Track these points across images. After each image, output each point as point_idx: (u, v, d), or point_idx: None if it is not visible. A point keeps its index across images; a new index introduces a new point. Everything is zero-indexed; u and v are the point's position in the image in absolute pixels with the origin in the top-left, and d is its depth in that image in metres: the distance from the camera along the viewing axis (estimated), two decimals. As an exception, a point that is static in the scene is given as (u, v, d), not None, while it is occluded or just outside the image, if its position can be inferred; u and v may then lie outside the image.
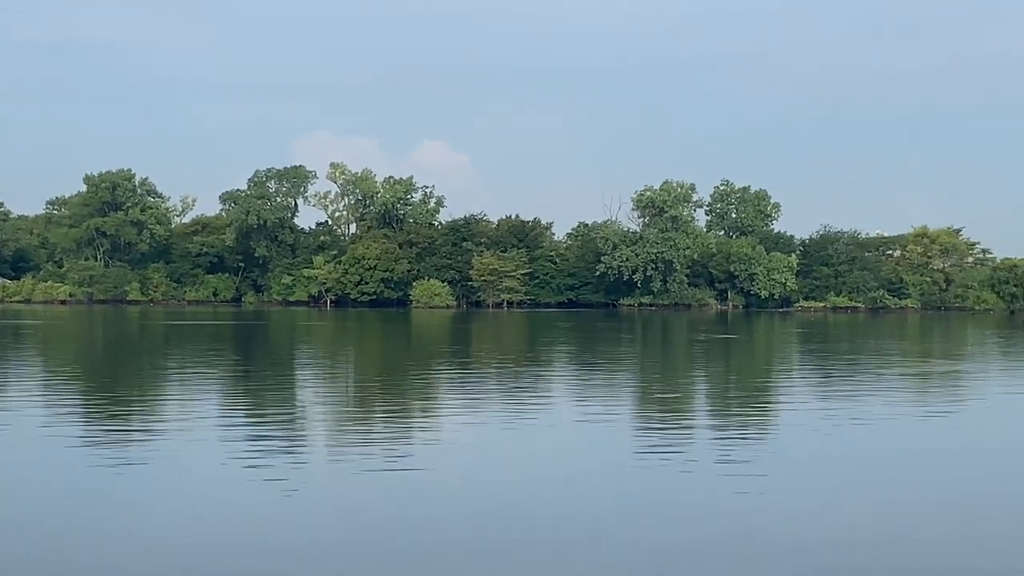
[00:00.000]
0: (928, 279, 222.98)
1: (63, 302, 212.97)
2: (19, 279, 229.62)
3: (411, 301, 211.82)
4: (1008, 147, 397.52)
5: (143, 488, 23.12)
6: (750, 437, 31.35)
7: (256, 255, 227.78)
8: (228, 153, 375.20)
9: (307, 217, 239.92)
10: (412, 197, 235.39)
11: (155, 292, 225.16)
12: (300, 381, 50.80)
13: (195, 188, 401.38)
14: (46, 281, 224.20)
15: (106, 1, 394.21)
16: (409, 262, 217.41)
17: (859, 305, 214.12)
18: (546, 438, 31.09)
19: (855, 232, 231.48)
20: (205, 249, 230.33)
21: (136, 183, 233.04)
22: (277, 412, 36.48)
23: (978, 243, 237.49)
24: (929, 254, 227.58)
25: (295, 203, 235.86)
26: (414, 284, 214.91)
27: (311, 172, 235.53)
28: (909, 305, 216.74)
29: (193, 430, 31.57)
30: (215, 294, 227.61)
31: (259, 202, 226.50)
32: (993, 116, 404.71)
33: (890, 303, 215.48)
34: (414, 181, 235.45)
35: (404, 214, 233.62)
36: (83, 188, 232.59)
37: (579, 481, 24.19)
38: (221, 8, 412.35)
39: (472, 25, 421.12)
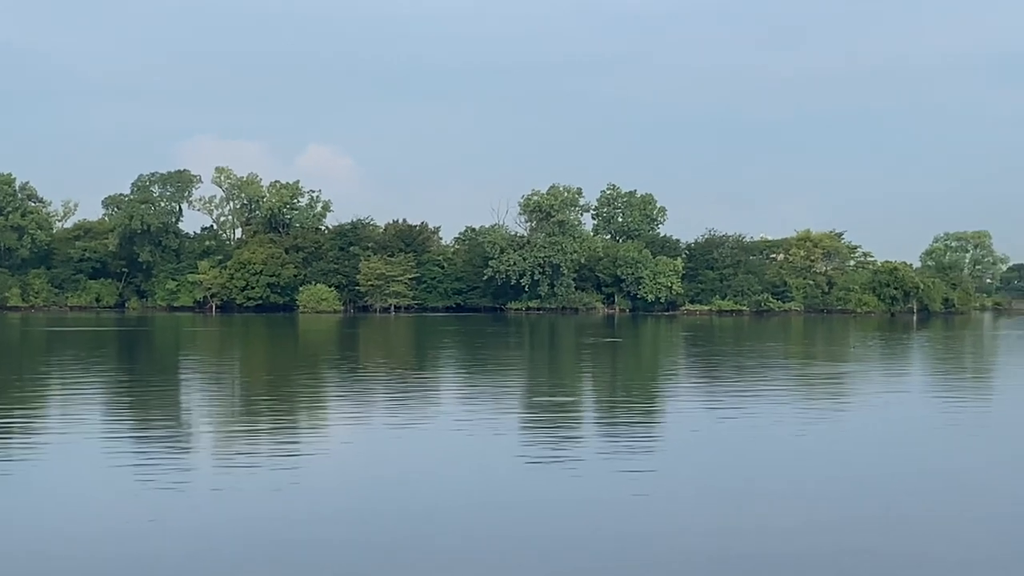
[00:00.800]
0: (811, 282, 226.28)
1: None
2: None
3: (298, 306, 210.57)
4: (888, 152, 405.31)
5: (16, 499, 22.65)
6: (637, 439, 31.50)
7: (140, 260, 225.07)
8: (111, 157, 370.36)
9: (192, 222, 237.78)
10: (299, 201, 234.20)
11: (36, 298, 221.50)
12: (184, 388, 50.14)
13: (77, 193, 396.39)
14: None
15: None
16: (295, 267, 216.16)
17: (744, 308, 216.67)
18: (433, 443, 30.99)
19: (740, 236, 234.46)
20: (87, 254, 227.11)
21: (16, 188, 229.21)
22: (159, 421, 35.95)
23: (859, 247, 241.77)
24: (812, 257, 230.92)
25: (179, 208, 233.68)
26: (301, 289, 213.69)
27: (196, 176, 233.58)
28: (793, 308, 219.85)
29: (72, 440, 30.99)
30: (98, 300, 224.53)
31: (143, 207, 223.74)
32: (875, 122, 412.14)
33: (774, 306, 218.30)
34: (300, 185, 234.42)
35: (290, 219, 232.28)
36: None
37: (469, 486, 24.14)
38: (100, 10, 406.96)
39: (359, 28, 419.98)
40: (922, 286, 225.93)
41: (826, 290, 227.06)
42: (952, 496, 23.56)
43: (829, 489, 23.89)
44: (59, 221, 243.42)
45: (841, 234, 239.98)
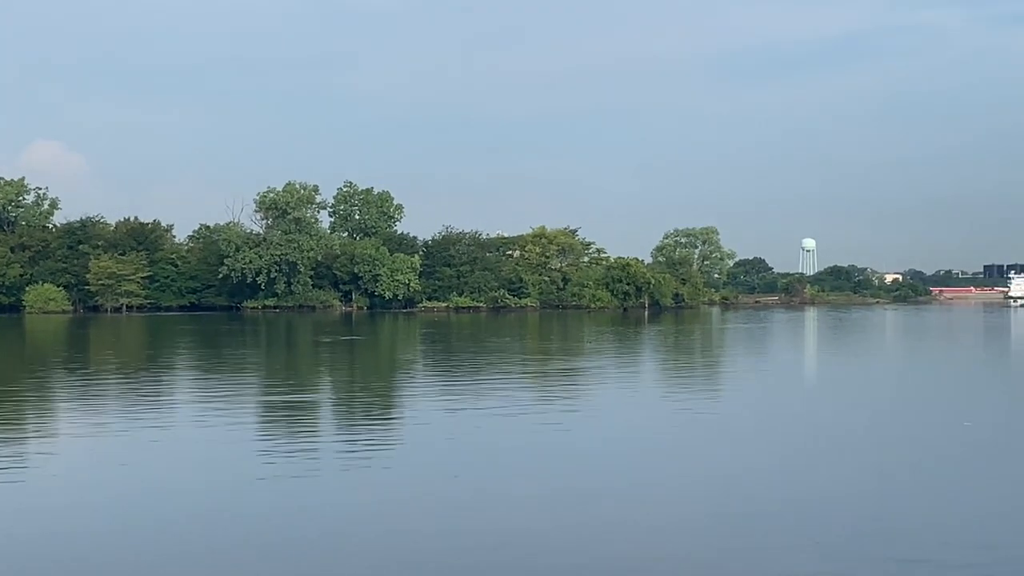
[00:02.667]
0: (546, 278, 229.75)
1: None
2: None
3: (24, 307, 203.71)
4: (620, 150, 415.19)
5: None
6: (375, 436, 31.59)
7: None
8: None
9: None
10: (24, 199, 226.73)
11: None
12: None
13: None
14: None
15: None
16: (22, 266, 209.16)
17: (481, 305, 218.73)
18: (166, 449, 30.50)
19: (476, 233, 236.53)
20: None
21: None
22: None
23: (593, 243, 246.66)
24: (547, 254, 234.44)
25: None
26: (27, 289, 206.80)
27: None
28: (529, 304, 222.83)
29: None
30: None
31: None
32: (606, 121, 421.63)
33: (511, 302, 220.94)
34: (26, 182, 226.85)
35: (16, 216, 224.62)
36: None
37: (202, 493, 23.88)
38: None
39: (86, 20, 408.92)
40: (653, 281, 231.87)
41: (561, 286, 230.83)
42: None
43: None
44: None
45: (576, 231, 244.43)
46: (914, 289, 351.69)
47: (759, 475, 25.58)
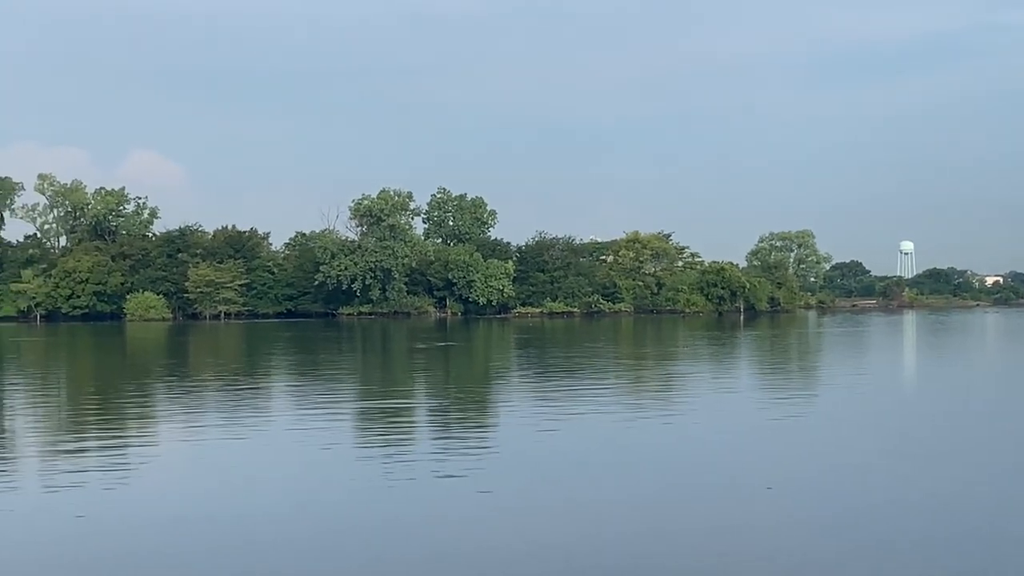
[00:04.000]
0: (640, 283, 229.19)
1: None
2: None
3: (125, 315, 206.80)
4: (714, 153, 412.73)
5: None
6: (470, 442, 31.64)
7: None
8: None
9: (14, 230, 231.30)
10: (125, 208, 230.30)
11: None
12: (6, 400, 48.99)
13: None
14: None
15: None
16: (123, 275, 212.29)
17: (574, 310, 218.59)
18: (268, 454, 30.78)
19: (570, 238, 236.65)
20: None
21: None
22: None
23: (687, 247, 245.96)
24: (641, 259, 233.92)
25: (1, 216, 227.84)
26: (128, 297, 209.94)
27: (18, 184, 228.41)
28: (623, 309, 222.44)
29: None
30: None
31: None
32: (697, 123, 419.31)
33: (605, 307, 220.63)
34: (126, 192, 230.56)
35: (116, 226, 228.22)
36: None
37: (303, 497, 24.06)
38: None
39: (185, 34, 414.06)
40: (748, 285, 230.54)
41: (655, 291, 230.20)
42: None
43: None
44: None
45: (669, 235, 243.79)
46: (1015, 291, 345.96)
47: (867, 474, 25.27)
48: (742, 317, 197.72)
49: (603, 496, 23.52)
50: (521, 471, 26.69)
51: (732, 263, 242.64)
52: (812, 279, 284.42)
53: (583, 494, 23.73)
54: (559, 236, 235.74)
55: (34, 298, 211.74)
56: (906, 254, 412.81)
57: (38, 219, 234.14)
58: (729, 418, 37.85)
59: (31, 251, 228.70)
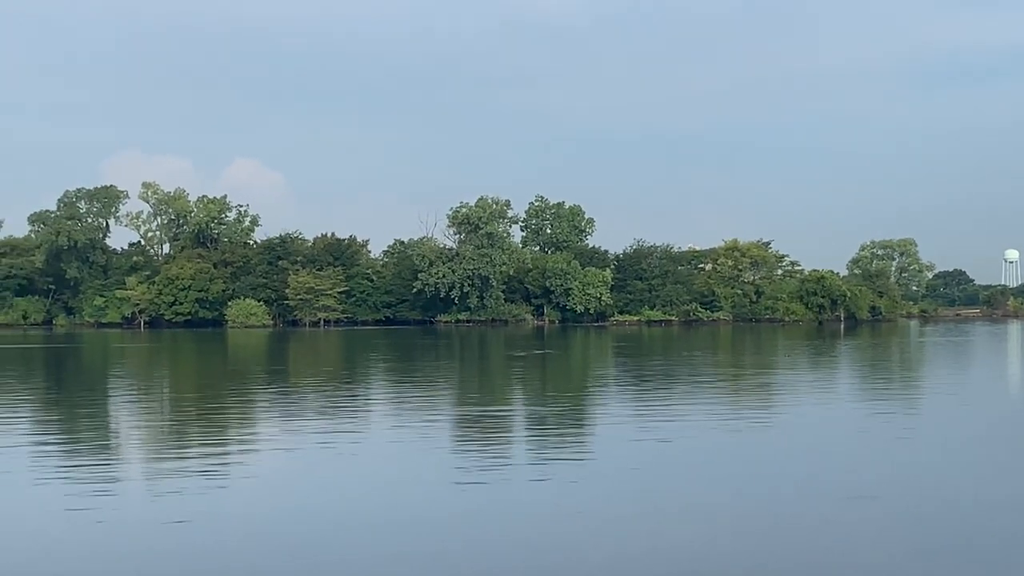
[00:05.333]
0: (739, 291, 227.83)
1: None
2: None
3: (226, 321, 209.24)
4: (814, 162, 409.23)
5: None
6: (568, 450, 31.53)
7: (67, 277, 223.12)
8: (36, 174, 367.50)
9: (119, 238, 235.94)
10: (226, 216, 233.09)
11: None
12: (112, 406, 49.70)
13: (2, 210, 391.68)
14: None
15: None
16: (224, 282, 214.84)
17: (673, 318, 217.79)
18: (366, 461, 30.89)
19: (668, 246, 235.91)
20: (13, 271, 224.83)
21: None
22: (88, 439, 35.61)
23: (787, 256, 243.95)
24: (740, 267, 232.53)
25: (106, 223, 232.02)
26: (229, 304, 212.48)
27: (122, 192, 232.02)
28: (721, 317, 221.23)
29: (2, 457, 30.68)
30: (24, 317, 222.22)
31: (69, 223, 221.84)
32: (798, 133, 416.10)
33: (703, 315, 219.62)
34: (228, 200, 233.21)
35: (218, 233, 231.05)
36: None
37: (398, 504, 24.09)
38: (23, 25, 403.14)
39: (283, 43, 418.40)
40: (849, 294, 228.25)
41: (754, 299, 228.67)
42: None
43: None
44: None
45: (768, 243, 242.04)
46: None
47: (978, 484, 24.83)
48: (842, 326, 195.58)
49: (701, 503, 23.31)
50: (618, 478, 26.51)
51: (832, 271, 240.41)
52: (914, 288, 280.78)
53: (681, 502, 23.53)
54: (657, 244, 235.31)
55: (138, 304, 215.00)
56: (1011, 263, 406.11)
57: (142, 227, 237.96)
58: (832, 427, 37.38)
59: (135, 258, 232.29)
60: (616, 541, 20.06)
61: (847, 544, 19.75)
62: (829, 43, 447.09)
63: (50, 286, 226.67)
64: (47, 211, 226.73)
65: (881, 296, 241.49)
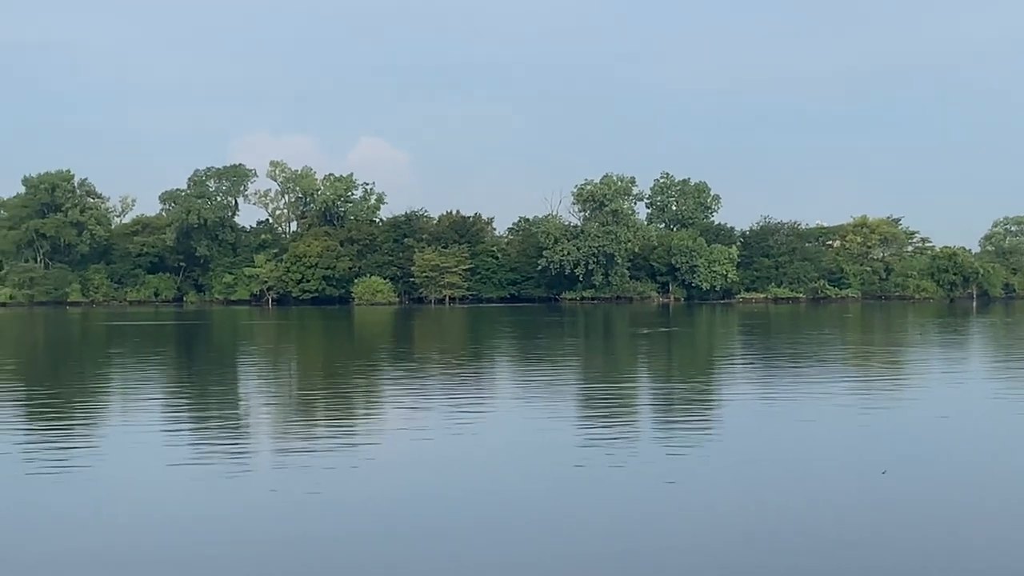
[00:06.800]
0: (868, 268, 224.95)
1: (3, 304, 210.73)
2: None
3: (353, 298, 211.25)
4: (945, 137, 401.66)
5: (85, 495, 22.63)
6: (694, 434, 31.14)
7: (197, 254, 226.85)
8: (167, 153, 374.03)
9: (248, 216, 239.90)
10: (353, 194, 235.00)
11: (96, 293, 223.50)
12: (243, 381, 50.31)
13: (134, 189, 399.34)
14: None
15: (33, 2, 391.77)
16: (350, 259, 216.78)
17: (800, 295, 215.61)
18: (494, 438, 30.80)
19: (795, 223, 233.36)
20: (145, 249, 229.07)
21: (75, 184, 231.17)
22: (221, 413, 36.00)
23: (917, 232, 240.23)
24: (869, 244, 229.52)
25: (235, 202, 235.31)
26: (356, 281, 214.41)
27: (251, 171, 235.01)
28: (850, 294, 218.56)
29: (136, 433, 31.10)
30: (156, 294, 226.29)
31: (199, 201, 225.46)
32: (928, 107, 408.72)
33: (831, 293, 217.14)
34: (354, 178, 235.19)
35: (345, 211, 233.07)
36: (22, 190, 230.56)
37: (519, 486, 23.94)
38: (155, 7, 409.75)
39: (405, 21, 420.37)
40: (982, 271, 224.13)
41: (883, 276, 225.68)
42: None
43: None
44: (117, 217, 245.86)
45: (898, 220, 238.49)
46: None
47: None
48: (975, 304, 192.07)
49: (816, 495, 22.85)
50: (745, 463, 26.10)
51: (964, 248, 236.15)
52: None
53: (802, 488, 23.09)
54: (784, 221, 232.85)
55: (266, 282, 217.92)
56: None
57: (270, 205, 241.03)
58: (975, 410, 36.52)
59: (263, 236, 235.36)
60: (740, 523, 19.70)
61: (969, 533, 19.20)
62: (969, 15, 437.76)
63: (181, 264, 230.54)
64: (178, 190, 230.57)
65: (1015, 273, 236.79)
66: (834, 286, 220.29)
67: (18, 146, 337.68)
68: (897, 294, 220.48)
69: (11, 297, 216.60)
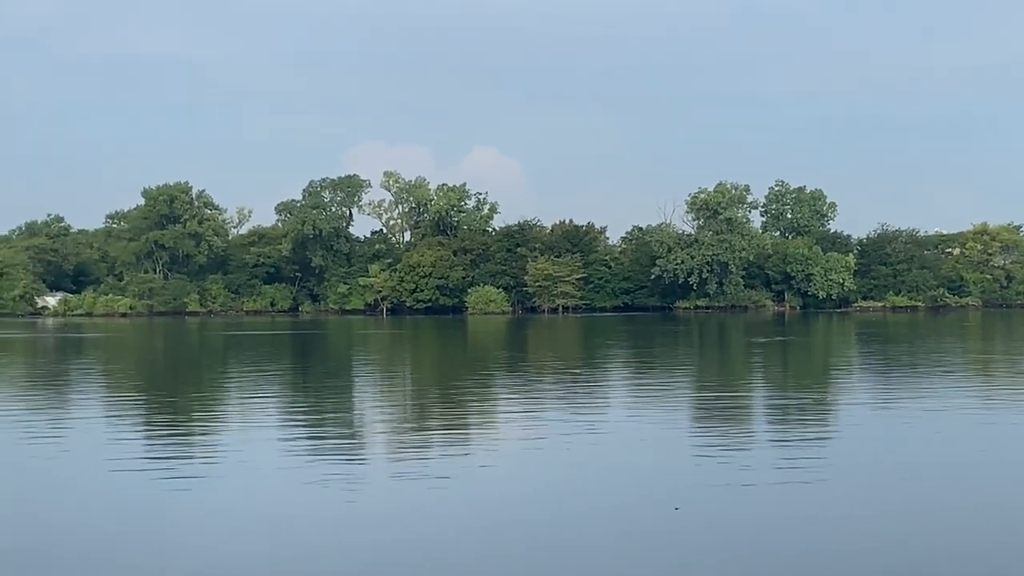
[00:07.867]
0: (989, 276, 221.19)
1: (123, 315, 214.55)
2: (80, 293, 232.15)
3: (466, 308, 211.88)
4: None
5: (205, 501, 22.99)
6: (810, 445, 30.82)
7: (312, 264, 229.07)
8: (282, 164, 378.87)
9: (362, 226, 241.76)
10: (465, 204, 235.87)
11: (213, 303, 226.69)
12: (359, 390, 50.73)
13: (251, 200, 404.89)
14: (107, 294, 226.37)
15: (154, 16, 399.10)
16: (464, 269, 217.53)
17: (919, 304, 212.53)
18: (610, 447, 30.72)
19: (913, 230, 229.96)
20: (262, 260, 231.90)
21: (193, 195, 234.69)
22: (337, 421, 36.36)
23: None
24: (989, 251, 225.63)
25: (350, 212, 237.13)
26: (469, 291, 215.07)
27: (365, 181, 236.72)
28: (970, 303, 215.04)
29: (254, 441, 31.54)
30: (272, 304, 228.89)
31: (314, 212, 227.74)
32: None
33: (951, 301, 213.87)
34: (467, 188, 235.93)
35: (458, 221, 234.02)
36: (142, 202, 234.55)
37: (640, 491, 23.88)
38: (271, 22, 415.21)
39: (517, 31, 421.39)
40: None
41: (1005, 284, 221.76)
42: None
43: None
44: (234, 228, 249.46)
45: (1020, 227, 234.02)
46: None
47: None
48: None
49: (932, 503, 22.49)
50: (859, 470, 25.78)
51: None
52: None
53: (920, 498, 22.75)
54: (902, 228, 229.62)
55: (380, 292, 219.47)
56: None
57: (384, 215, 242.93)
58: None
59: (377, 246, 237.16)
60: (855, 536, 19.45)
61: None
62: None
63: (296, 274, 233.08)
64: (293, 201, 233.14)
65: None
66: (953, 294, 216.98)
67: (138, 159, 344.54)
68: (1020, 302, 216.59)
69: (131, 307, 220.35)
